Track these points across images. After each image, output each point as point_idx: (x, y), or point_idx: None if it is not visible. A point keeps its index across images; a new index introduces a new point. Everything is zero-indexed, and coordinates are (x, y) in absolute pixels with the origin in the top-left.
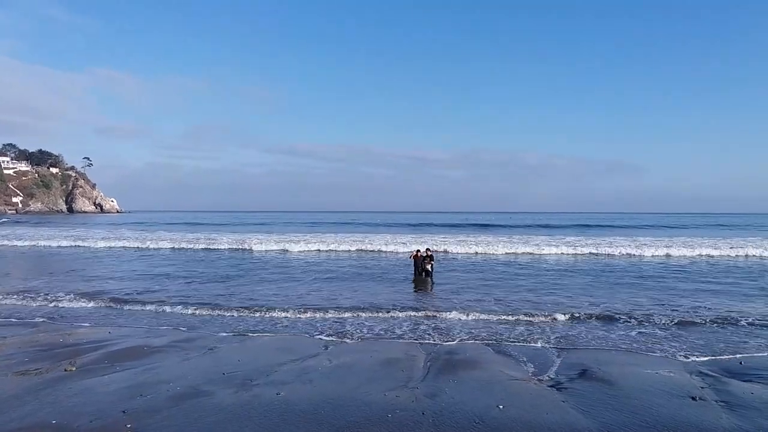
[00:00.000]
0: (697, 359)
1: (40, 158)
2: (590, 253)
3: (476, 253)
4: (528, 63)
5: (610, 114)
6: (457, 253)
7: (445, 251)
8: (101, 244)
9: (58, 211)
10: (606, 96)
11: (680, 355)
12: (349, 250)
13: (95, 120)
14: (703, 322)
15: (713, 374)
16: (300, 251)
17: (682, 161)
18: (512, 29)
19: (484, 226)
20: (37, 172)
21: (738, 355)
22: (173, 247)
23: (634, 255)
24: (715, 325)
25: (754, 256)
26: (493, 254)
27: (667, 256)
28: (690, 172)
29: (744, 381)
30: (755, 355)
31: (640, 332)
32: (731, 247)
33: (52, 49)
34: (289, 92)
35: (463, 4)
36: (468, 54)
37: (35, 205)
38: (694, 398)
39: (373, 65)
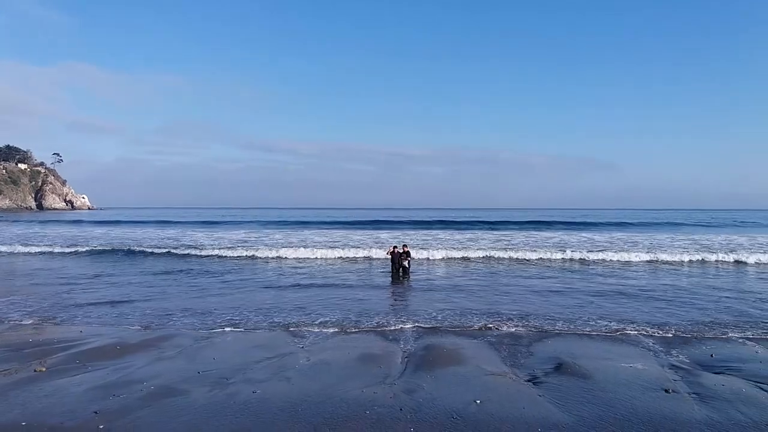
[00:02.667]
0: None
1: (7, 154)
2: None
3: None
4: (507, 61)
5: (586, 112)
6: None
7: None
8: (63, 249)
9: (27, 208)
10: (586, 94)
11: (655, 348)
12: (327, 258)
13: (67, 115)
14: None
15: (685, 367)
16: (279, 256)
17: (654, 158)
18: (492, 28)
19: (493, 223)
20: (4, 168)
21: (708, 347)
22: (129, 250)
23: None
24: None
25: None
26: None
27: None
28: (662, 168)
29: (715, 373)
30: (726, 346)
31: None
32: None
33: (23, 44)
34: (267, 89)
35: (443, 2)
36: (447, 52)
37: (3, 202)
38: (667, 391)
39: (351, 62)
